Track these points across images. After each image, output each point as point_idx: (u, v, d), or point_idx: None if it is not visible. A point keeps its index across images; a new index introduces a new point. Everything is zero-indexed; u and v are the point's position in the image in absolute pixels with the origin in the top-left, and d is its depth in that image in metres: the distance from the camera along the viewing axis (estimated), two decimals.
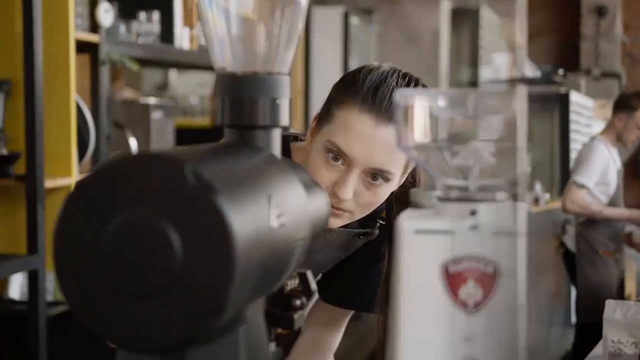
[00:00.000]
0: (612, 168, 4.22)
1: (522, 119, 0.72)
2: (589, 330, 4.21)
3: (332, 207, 1.26)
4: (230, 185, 0.66)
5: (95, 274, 0.64)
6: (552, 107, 6.96)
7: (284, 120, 0.85)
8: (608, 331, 1.92)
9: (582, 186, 4.15)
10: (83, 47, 2.70)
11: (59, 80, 2.53)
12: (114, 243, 0.63)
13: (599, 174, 4.18)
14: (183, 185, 0.62)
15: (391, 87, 1.24)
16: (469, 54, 7.39)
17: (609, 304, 1.98)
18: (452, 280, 0.69)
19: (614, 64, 9.52)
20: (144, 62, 3.24)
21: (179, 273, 0.62)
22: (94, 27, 2.72)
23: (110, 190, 0.64)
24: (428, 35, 5.66)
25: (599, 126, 8.36)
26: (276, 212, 0.71)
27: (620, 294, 4.42)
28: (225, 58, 0.85)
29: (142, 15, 3.08)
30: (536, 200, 6.23)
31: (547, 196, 6.40)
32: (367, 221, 1.39)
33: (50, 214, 2.44)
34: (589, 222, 4.30)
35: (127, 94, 3.65)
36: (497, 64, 5.45)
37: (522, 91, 0.70)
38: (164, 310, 0.63)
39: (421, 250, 0.70)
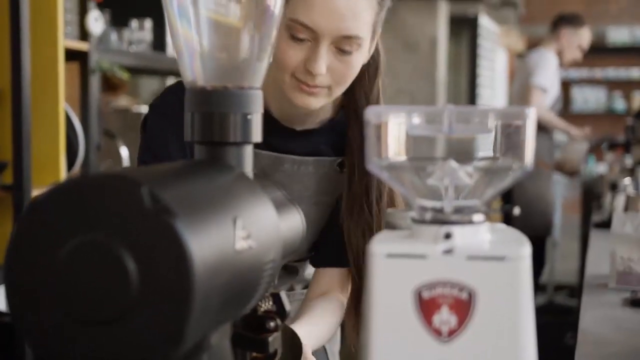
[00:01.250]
0: (556, 80, 4.33)
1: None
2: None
3: (307, 85, 1.24)
4: (191, 207, 0.62)
5: (48, 298, 0.61)
6: (460, 29, 7.03)
7: (256, 136, 0.82)
8: (616, 247, 1.80)
9: (543, 90, 4.22)
10: (73, 55, 2.67)
11: (48, 89, 2.50)
12: (68, 267, 0.60)
13: (550, 80, 4.26)
14: (139, 207, 0.59)
15: None
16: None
17: (617, 217, 1.86)
18: (426, 306, 0.66)
19: None
20: (136, 71, 3.21)
21: (134, 300, 0.59)
22: (84, 35, 2.70)
23: (65, 211, 0.61)
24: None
25: (501, 53, 8.50)
26: (242, 234, 0.68)
27: (550, 213, 4.48)
28: (195, 71, 0.82)
29: (134, 23, 3.05)
30: None
31: None
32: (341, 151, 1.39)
33: None
34: None
35: (123, 101, 3.62)
36: None
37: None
38: (119, 338, 0.59)
39: (393, 275, 0.67)
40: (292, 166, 1.37)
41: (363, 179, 1.34)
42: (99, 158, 2.80)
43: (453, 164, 0.70)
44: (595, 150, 9.91)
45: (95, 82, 2.72)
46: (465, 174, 0.70)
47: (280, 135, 1.37)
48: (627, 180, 3.16)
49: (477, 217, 0.70)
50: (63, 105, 2.52)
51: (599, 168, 8.70)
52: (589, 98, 10.11)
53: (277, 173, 1.36)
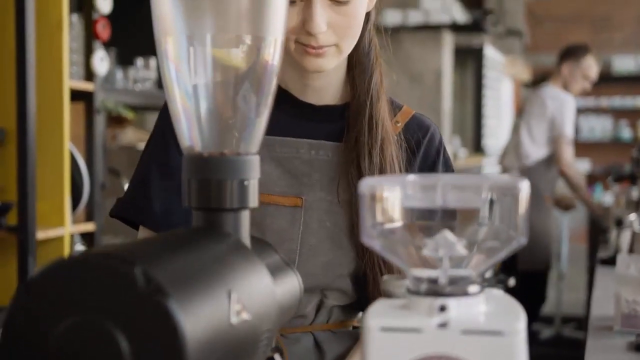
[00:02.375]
0: None
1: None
2: (529, 279, 4.23)
3: (313, 47, 1.17)
4: (184, 284, 0.63)
5: None
6: (465, 60, 7.06)
7: (253, 201, 0.82)
8: (621, 289, 1.76)
9: (571, 140, 4.26)
10: (78, 95, 2.69)
11: (53, 129, 2.51)
12: (62, 346, 0.60)
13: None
14: (132, 288, 0.59)
15: None
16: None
17: (621, 258, 1.83)
18: None
19: (517, 22, 9.67)
20: (141, 108, 3.23)
21: None
22: (90, 75, 2.71)
23: (59, 290, 0.61)
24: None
25: (507, 82, 8.55)
26: (237, 307, 0.68)
27: (549, 248, 4.47)
28: (192, 137, 0.83)
29: (139, 61, 3.07)
30: (455, 156, 6.26)
31: (464, 151, 6.43)
32: None
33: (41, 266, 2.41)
34: (536, 165, 4.41)
35: (130, 133, 3.63)
36: (426, 8, 5.41)
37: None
38: None
39: (388, 349, 0.67)
40: (309, 151, 1.27)
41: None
42: (103, 196, 2.80)
43: (448, 234, 0.70)
44: (602, 179, 9.92)
45: (100, 121, 2.74)
46: (460, 245, 0.70)
47: (297, 113, 1.29)
48: (632, 216, 3.14)
49: (473, 288, 0.70)
50: (68, 146, 2.53)
51: (606, 197, 8.68)
52: (595, 127, 10.13)
53: (295, 160, 1.26)
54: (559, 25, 10.21)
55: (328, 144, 1.27)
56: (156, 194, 1.24)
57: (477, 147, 7.30)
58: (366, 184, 0.70)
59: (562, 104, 4.38)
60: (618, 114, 10.09)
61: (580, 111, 10.04)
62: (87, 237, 2.79)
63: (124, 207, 1.29)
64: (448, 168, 1.34)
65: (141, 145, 3.27)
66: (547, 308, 6.17)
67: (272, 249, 0.87)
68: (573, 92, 4.44)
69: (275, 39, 0.82)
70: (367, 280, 1.25)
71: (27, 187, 2.38)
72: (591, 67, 4.35)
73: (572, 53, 4.43)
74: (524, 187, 0.68)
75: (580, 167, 10.08)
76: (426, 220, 0.72)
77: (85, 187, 2.60)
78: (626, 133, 10.05)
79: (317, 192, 1.26)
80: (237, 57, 0.81)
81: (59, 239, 2.53)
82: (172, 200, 1.22)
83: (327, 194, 1.26)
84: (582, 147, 10.10)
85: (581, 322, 5.31)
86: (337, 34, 1.18)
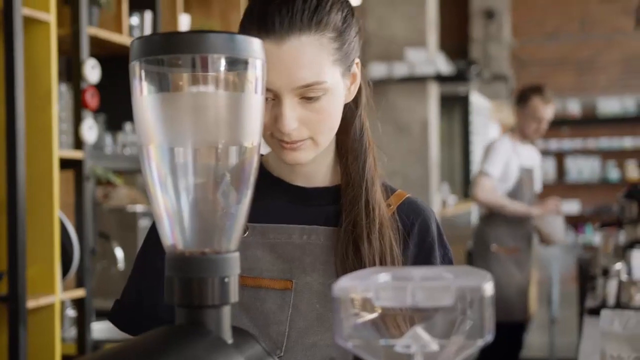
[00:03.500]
0: (513, 164, 4.37)
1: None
2: (505, 329, 4.21)
3: (287, 143, 1.19)
4: None
5: None
6: (452, 107, 7.13)
7: (234, 296, 0.85)
8: (606, 345, 1.76)
9: (488, 175, 4.29)
10: (68, 163, 2.72)
11: (43, 198, 2.54)
12: None
13: (502, 167, 4.31)
14: None
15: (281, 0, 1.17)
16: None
17: (605, 314, 1.83)
18: None
19: (503, 67, 9.80)
20: (131, 171, 3.28)
21: None
22: (79, 143, 2.76)
23: None
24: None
25: (494, 127, 8.63)
26: None
27: (522, 300, 4.46)
28: (174, 237, 0.86)
29: (128, 126, 3.12)
30: (444, 203, 6.27)
31: (453, 198, 6.47)
32: None
33: (32, 335, 2.43)
34: (488, 216, 4.42)
35: (122, 192, 3.66)
36: (411, 60, 5.46)
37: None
38: None
39: None
40: (301, 236, 1.27)
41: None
42: (94, 261, 2.83)
43: (420, 331, 0.74)
44: (592, 219, 9.97)
45: (89, 188, 2.77)
46: (432, 341, 0.73)
47: (289, 198, 1.30)
48: (618, 265, 3.17)
49: None
50: (58, 214, 2.56)
51: (595, 238, 8.72)
52: (583, 168, 10.21)
53: (287, 245, 1.27)
54: (544, 69, 10.35)
55: (321, 228, 1.28)
56: (148, 306, 1.28)
57: (466, 192, 7.35)
58: (339, 286, 0.74)
59: (495, 142, 4.46)
60: (605, 155, 10.19)
61: (568, 153, 10.14)
62: (77, 303, 2.80)
63: (119, 318, 1.32)
64: (446, 255, 1.33)
65: (132, 207, 3.30)
66: (540, 353, 6.17)
67: (254, 340, 0.90)
68: (529, 136, 4.47)
69: (252, 143, 0.86)
70: None
71: (17, 257, 2.41)
72: (538, 107, 4.38)
73: (519, 98, 4.51)
74: (488, 288, 0.72)
75: (569, 208, 10.16)
76: (398, 318, 0.75)
77: (75, 254, 2.63)
78: (614, 174, 10.14)
79: (307, 276, 1.27)
80: (217, 162, 0.85)
81: (50, 307, 2.54)
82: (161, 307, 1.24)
83: (319, 277, 1.27)
84: (571, 189, 10.19)
85: None
86: (310, 129, 1.19)
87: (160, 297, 1.26)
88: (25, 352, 2.36)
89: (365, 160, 1.29)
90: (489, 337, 0.73)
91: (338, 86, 1.21)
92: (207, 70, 0.84)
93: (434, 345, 0.73)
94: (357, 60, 1.27)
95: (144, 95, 0.84)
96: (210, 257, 0.84)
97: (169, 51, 0.83)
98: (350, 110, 1.29)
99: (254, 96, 0.85)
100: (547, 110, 4.42)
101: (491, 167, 4.29)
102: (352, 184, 1.28)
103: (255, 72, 0.85)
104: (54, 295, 2.54)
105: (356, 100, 1.30)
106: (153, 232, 1.33)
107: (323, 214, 1.30)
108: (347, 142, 1.29)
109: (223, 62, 0.83)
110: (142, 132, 0.85)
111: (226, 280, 0.84)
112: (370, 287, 0.73)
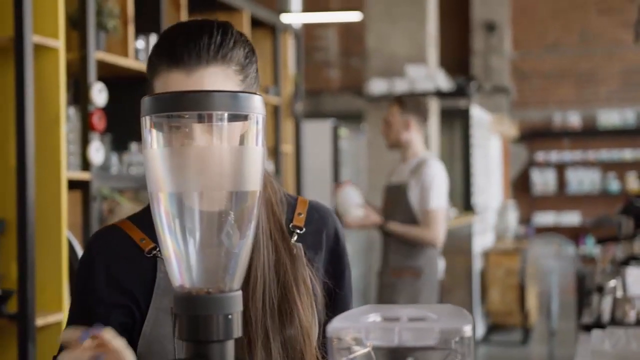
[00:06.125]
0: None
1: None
2: None
3: None
4: None
5: None
6: (452, 121, 7.18)
7: (237, 332, 0.93)
8: None
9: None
10: (75, 184, 2.80)
11: (51, 219, 2.62)
12: None
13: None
14: None
15: (188, 30, 1.24)
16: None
17: (596, 334, 1.89)
18: None
19: (504, 79, 9.87)
20: (136, 189, 3.35)
21: None
22: (86, 164, 2.83)
23: None
24: None
25: (495, 139, 8.70)
26: None
27: None
28: (182, 277, 0.94)
29: (134, 146, 3.20)
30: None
31: (454, 211, 6.52)
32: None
33: (41, 353, 2.50)
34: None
35: (126, 207, 3.73)
36: (411, 77, 5.48)
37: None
38: None
39: None
40: None
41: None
42: None
43: None
44: (592, 231, 10.03)
45: (96, 208, 2.85)
46: None
47: None
48: (612, 282, 3.22)
49: None
50: (66, 235, 2.63)
51: (595, 249, 8.77)
52: (583, 179, 10.28)
53: None
54: (545, 81, 10.43)
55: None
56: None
57: (467, 205, 7.42)
58: (332, 327, 0.81)
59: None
60: (606, 166, 10.25)
61: (569, 164, 10.21)
62: None
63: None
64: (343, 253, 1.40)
65: None
66: None
67: None
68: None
69: (254, 188, 0.94)
70: None
71: (27, 276, 2.48)
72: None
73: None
74: (468, 329, 0.79)
75: (570, 219, 10.24)
76: (386, 355, 0.82)
77: None
78: (614, 185, 10.20)
79: None
80: (221, 207, 0.93)
81: (57, 325, 2.62)
82: None
83: None
84: (571, 200, 10.26)
85: None
86: None
87: None
88: None
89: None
90: None
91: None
92: (211, 124, 0.91)
93: None
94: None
95: (153, 147, 0.92)
96: (215, 296, 0.92)
97: (177, 108, 0.92)
98: None
99: (255, 148, 0.93)
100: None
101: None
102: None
103: (256, 126, 0.93)
104: (61, 313, 2.61)
105: None
106: (85, 274, 1.31)
107: None
108: None
109: (226, 118, 0.91)
110: (152, 181, 0.93)
111: (230, 317, 0.92)
112: (361, 329, 0.81)
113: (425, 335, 0.80)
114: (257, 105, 0.93)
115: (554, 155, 10.36)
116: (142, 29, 3.25)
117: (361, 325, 0.81)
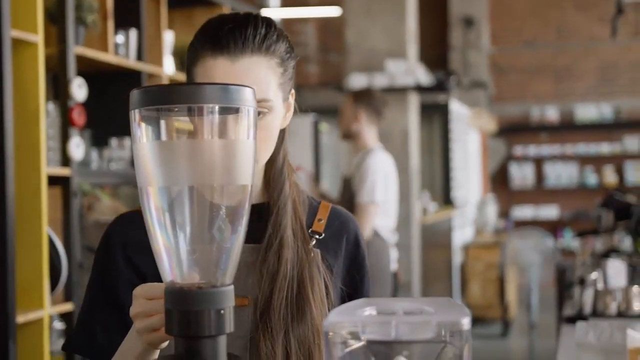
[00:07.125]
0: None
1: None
2: None
3: None
4: None
5: None
6: (431, 115, 7.23)
7: (229, 327, 0.92)
8: (581, 356, 1.80)
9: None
10: (55, 180, 2.77)
11: (31, 215, 2.59)
12: None
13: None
14: None
15: (234, 20, 1.26)
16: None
17: (580, 326, 1.88)
18: None
19: (482, 74, 9.94)
20: (117, 185, 3.33)
21: None
22: (66, 160, 2.80)
23: None
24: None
25: (473, 134, 8.76)
26: None
27: None
28: (173, 272, 0.93)
29: (114, 141, 3.17)
30: (425, 210, 6.29)
31: (433, 206, 6.54)
32: None
33: (22, 351, 2.47)
34: None
35: (105, 204, 3.70)
36: (391, 71, 5.49)
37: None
38: None
39: None
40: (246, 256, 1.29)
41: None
42: (81, 275, 2.87)
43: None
44: (570, 224, 10.11)
45: (76, 204, 2.82)
46: None
47: None
48: (594, 275, 3.24)
49: None
50: (46, 231, 2.61)
51: (574, 243, 8.83)
52: (561, 173, 10.34)
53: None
54: (523, 76, 10.48)
55: (247, 246, 1.29)
56: (100, 330, 1.28)
57: (446, 199, 7.44)
58: (328, 321, 0.81)
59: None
60: (583, 160, 10.33)
61: (547, 158, 10.28)
62: (65, 317, 2.85)
63: (73, 343, 1.33)
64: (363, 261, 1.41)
65: None
66: (520, 357, 6.26)
67: None
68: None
69: (245, 182, 0.93)
70: None
71: (7, 272, 2.45)
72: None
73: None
74: (466, 322, 0.79)
75: (548, 213, 10.31)
76: (383, 349, 0.82)
77: (63, 269, 2.67)
78: (592, 179, 10.28)
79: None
80: (212, 201, 0.91)
81: (39, 321, 2.59)
82: (116, 335, 1.23)
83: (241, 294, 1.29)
84: (550, 194, 10.32)
85: None
86: None
87: (116, 333, 1.25)
88: None
89: (282, 189, 1.33)
90: None
91: (279, 109, 1.29)
92: (202, 118, 0.90)
93: None
94: (293, 91, 1.36)
95: (142, 141, 0.91)
96: (207, 291, 0.90)
97: (166, 101, 0.90)
98: (278, 140, 1.34)
99: (246, 141, 0.92)
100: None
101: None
102: (270, 211, 1.32)
103: (247, 119, 0.92)
104: (42, 310, 2.59)
105: (283, 131, 1.36)
106: (104, 254, 1.33)
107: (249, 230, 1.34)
108: (272, 170, 1.35)
109: (217, 111, 0.90)
110: (142, 175, 0.92)
111: (222, 312, 0.90)
112: (357, 323, 0.80)
113: (422, 329, 0.79)
114: (248, 97, 0.92)
115: (532, 150, 10.41)
116: (121, 24, 3.22)
117: (357, 319, 0.80)
